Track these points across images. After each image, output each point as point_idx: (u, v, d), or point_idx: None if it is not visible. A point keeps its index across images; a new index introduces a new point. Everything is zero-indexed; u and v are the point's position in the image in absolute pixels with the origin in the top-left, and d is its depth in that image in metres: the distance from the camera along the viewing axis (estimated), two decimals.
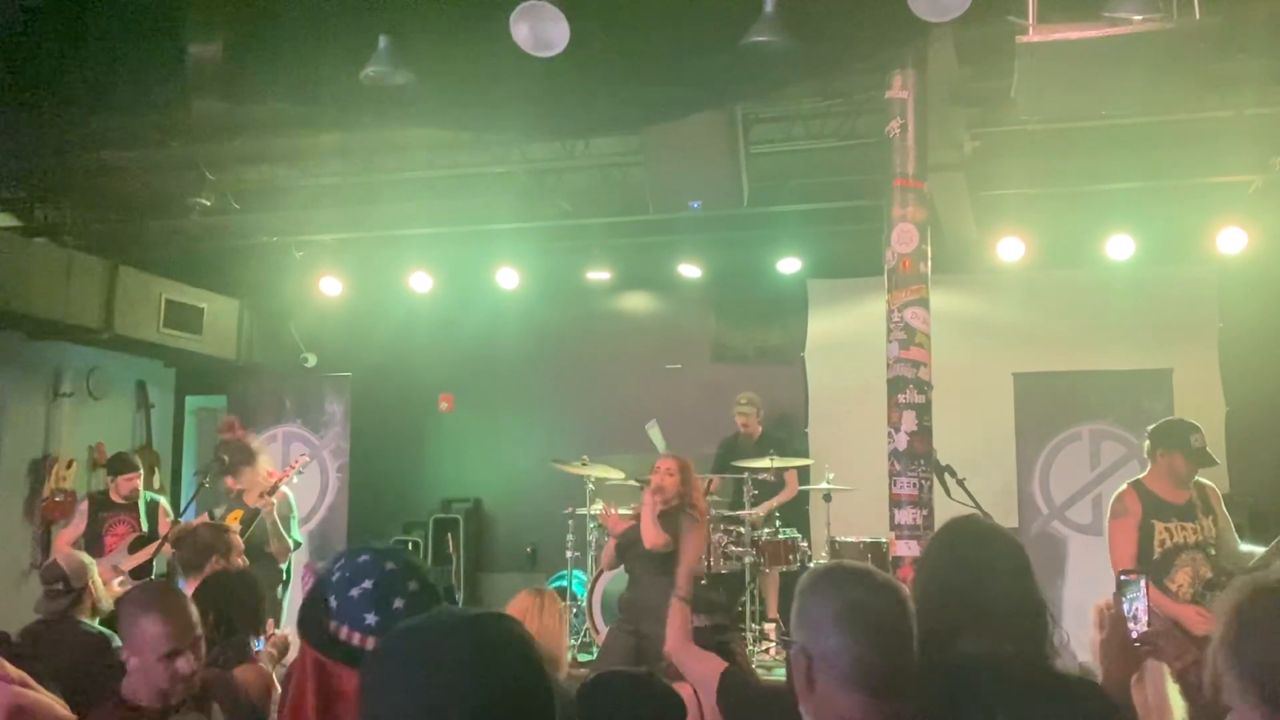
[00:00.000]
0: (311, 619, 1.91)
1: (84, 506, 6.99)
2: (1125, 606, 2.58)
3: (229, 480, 6.60)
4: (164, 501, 7.18)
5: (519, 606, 4.10)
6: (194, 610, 3.24)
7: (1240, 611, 1.65)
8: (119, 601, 3.75)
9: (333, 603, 1.89)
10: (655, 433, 8.45)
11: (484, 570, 10.07)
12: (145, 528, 6.87)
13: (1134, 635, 2.57)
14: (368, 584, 1.89)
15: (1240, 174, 7.59)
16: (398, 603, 1.88)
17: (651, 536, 5.89)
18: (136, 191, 8.38)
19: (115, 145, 7.42)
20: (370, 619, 1.87)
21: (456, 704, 1.34)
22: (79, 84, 4.93)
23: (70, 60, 4.93)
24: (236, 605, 4.10)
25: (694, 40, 4.58)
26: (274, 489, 6.45)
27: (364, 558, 1.95)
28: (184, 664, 3.08)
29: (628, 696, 2.89)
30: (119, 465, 7.01)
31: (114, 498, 6.90)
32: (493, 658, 1.39)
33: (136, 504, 6.90)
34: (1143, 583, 2.61)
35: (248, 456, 6.65)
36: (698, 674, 2.89)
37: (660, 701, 2.86)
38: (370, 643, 1.84)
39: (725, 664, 2.84)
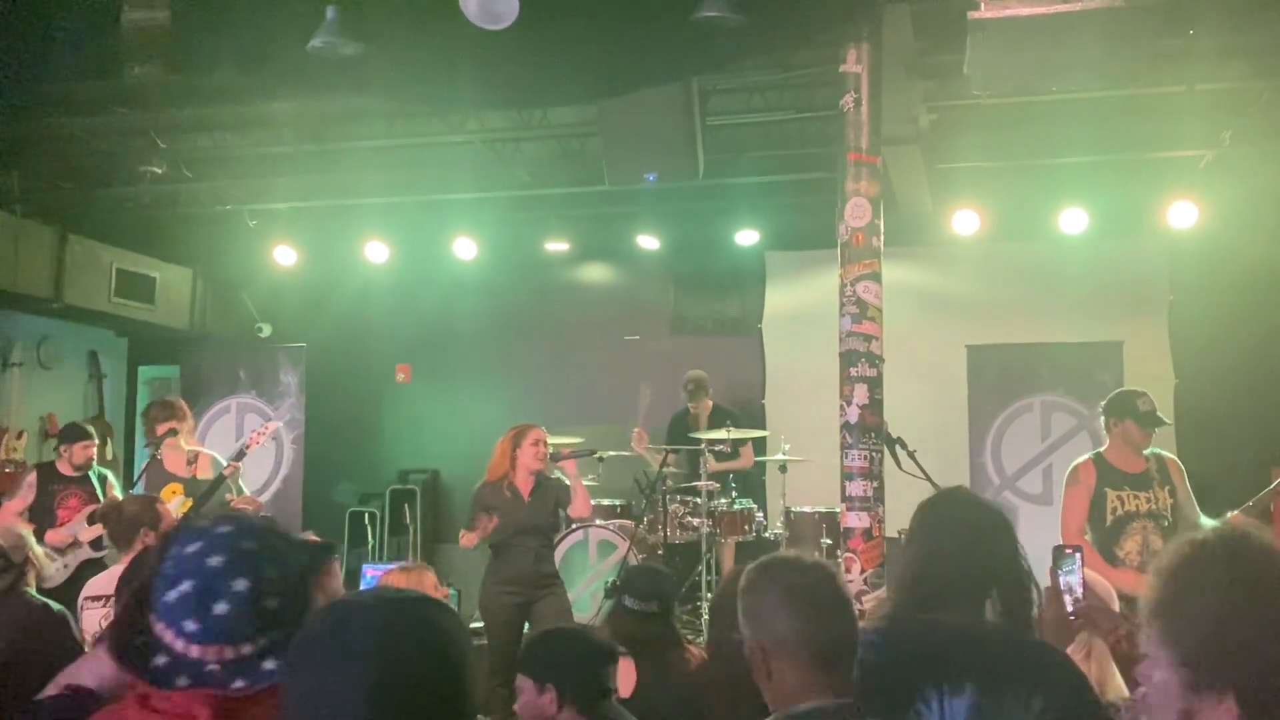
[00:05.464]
0: (130, 642, 1.57)
1: (32, 478, 6.72)
2: (1061, 580, 2.63)
3: (160, 425, 6.44)
4: (111, 476, 7.05)
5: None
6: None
7: (1165, 573, 1.65)
8: None
9: (153, 612, 1.58)
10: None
11: (441, 541, 10.06)
12: (100, 499, 6.74)
13: (1069, 609, 2.62)
14: (186, 586, 1.56)
15: (1191, 149, 7.68)
16: (219, 608, 1.55)
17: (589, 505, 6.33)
18: (86, 159, 8.24)
19: (64, 111, 7.27)
20: (190, 625, 1.56)
21: (360, 683, 1.32)
22: (12, 49, 4.81)
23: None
24: None
25: (646, 13, 4.56)
26: (196, 456, 6.37)
27: (192, 546, 1.59)
28: None
29: (568, 644, 3.34)
30: (75, 433, 6.80)
31: (63, 470, 6.73)
32: (398, 639, 1.36)
33: (88, 476, 6.76)
34: (1078, 557, 2.66)
35: (177, 414, 6.54)
36: None
37: (597, 647, 3.34)
38: (195, 651, 1.56)
39: None
